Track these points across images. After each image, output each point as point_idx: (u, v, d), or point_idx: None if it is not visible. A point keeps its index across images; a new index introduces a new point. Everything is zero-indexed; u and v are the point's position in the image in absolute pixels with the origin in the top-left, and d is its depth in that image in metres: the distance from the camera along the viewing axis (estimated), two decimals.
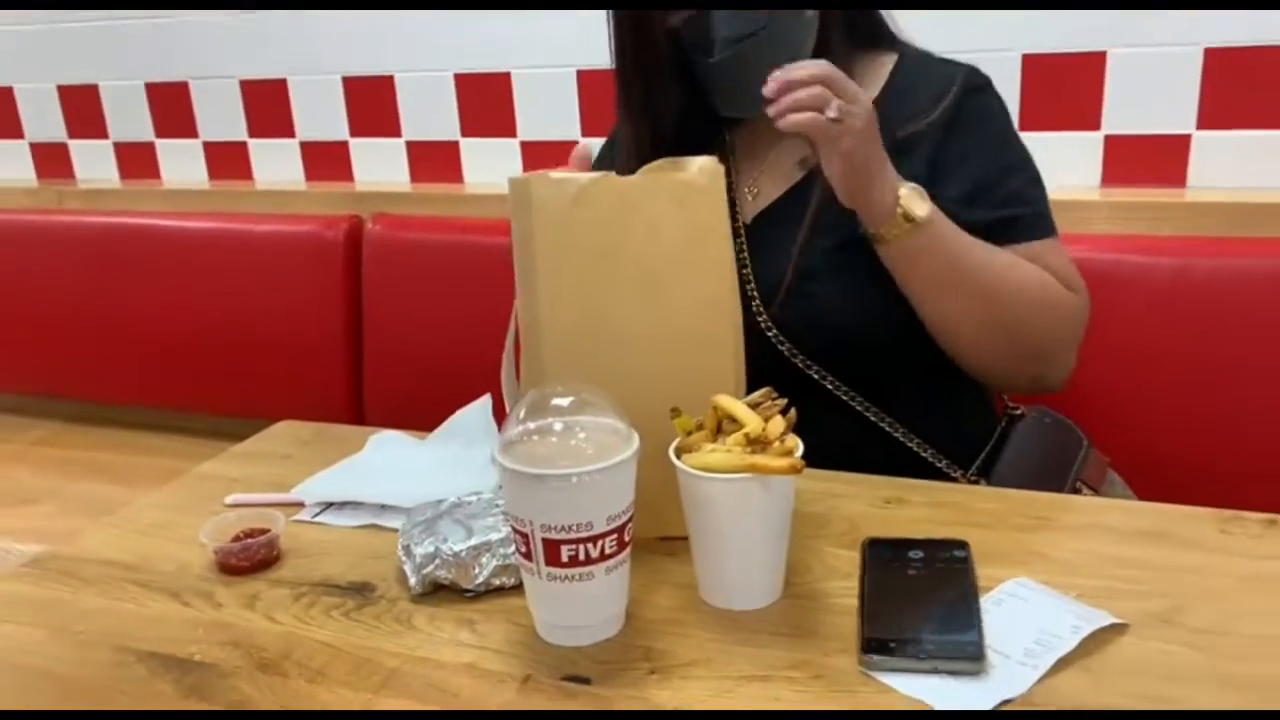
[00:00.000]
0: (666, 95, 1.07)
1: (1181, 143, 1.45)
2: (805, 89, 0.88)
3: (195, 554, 0.90)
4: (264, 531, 0.89)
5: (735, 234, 1.07)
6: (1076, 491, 1.07)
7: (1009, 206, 1.03)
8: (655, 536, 0.84)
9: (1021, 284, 1.00)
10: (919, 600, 0.75)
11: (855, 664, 0.70)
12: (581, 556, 0.71)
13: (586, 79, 1.72)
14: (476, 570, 0.81)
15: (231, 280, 1.85)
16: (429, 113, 1.85)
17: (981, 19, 1.47)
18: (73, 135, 2.13)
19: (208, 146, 2.04)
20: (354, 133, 1.92)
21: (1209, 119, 1.43)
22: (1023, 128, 1.45)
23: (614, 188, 0.83)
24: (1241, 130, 1.42)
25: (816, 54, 1.02)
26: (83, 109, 2.10)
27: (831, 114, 0.88)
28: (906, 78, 1.10)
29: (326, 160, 1.95)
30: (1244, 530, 0.85)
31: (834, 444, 0.97)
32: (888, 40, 1.13)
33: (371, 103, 1.89)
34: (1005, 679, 0.68)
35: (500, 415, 0.96)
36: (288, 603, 0.82)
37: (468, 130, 1.84)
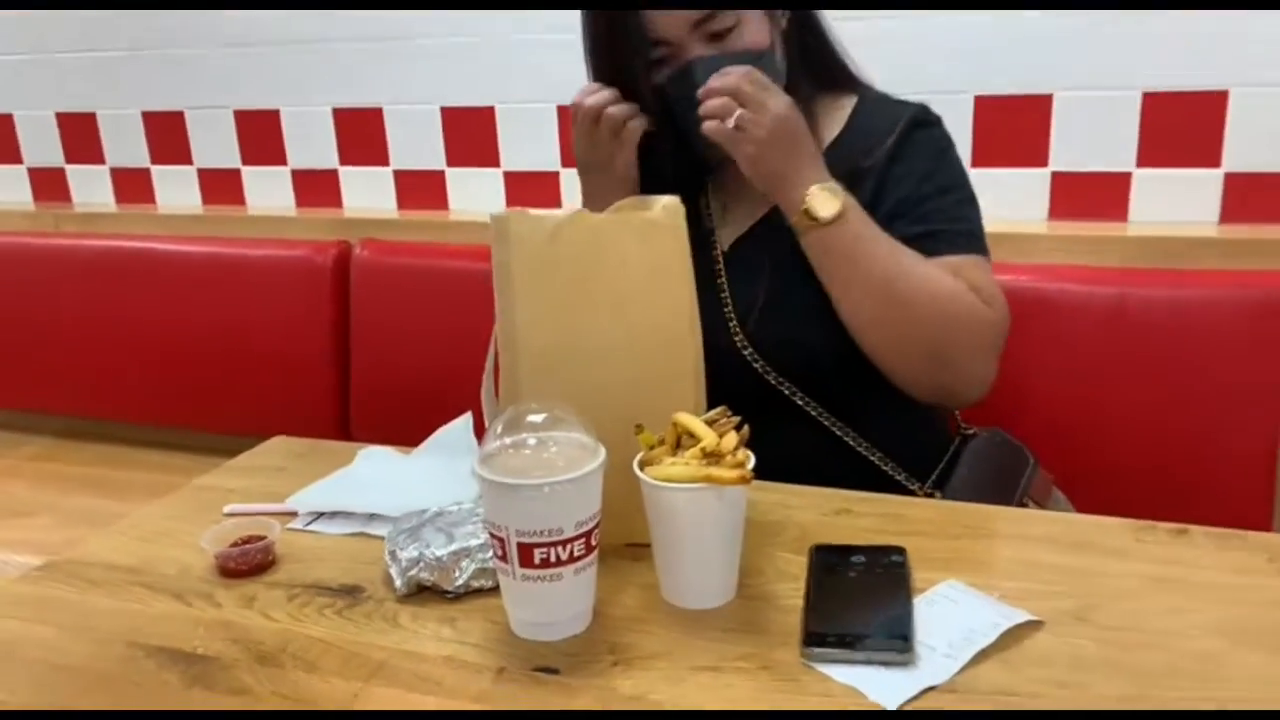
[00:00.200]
0: (657, 144, 1.15)
1: (1123, 180, 1.55)
2: (718, 99, 1.01)
3: (196, 559, 0.97)
4: (260, 538, 0.96)
5: (714, 260, 1.17)
6: (1023, 506, 1.15)
7: (931, 221, 1.11)
8: (622, 543, 0.91)
9: (931, 292, 1.06)
10: (858, 600, 0.83)
11: (798, 656, 0.78)
12: (552, 559, 0.78)
13: (567, 114, 1.80)
14: (457, 573, 0.88)
15: (224, 302, 1.92)
16: (416, 143, 1.94)
17: (938, 63, 1.57)
18: (70, 160, 2.20)
19: (202, 173, 2.11)
20: (343, 161, 2.00)
21: (1147, 158, 1.53)
22: (975, 164, 1.56)
23: (585, 224, 0.91)
24: (1177, 169, 1.52)
25: (794, 100, 1.11)
26: (80, 136, 2.17)
27: (731, 123, 1.00)
28: (865, 117, 1.19)
29: (317, 187, 2.03)
30: (1155, 539, 0.93)
31: (803, 456, 1.07)
32: (849, 83, 1.23)
33: (361, 133, 1.97)
34: (930, 669, 0.75)
35: (480, 431, 1.04)
36: (283, 603, 0.89)
37: (453, 160, 1.93)
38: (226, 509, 1.06)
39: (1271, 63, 1.44)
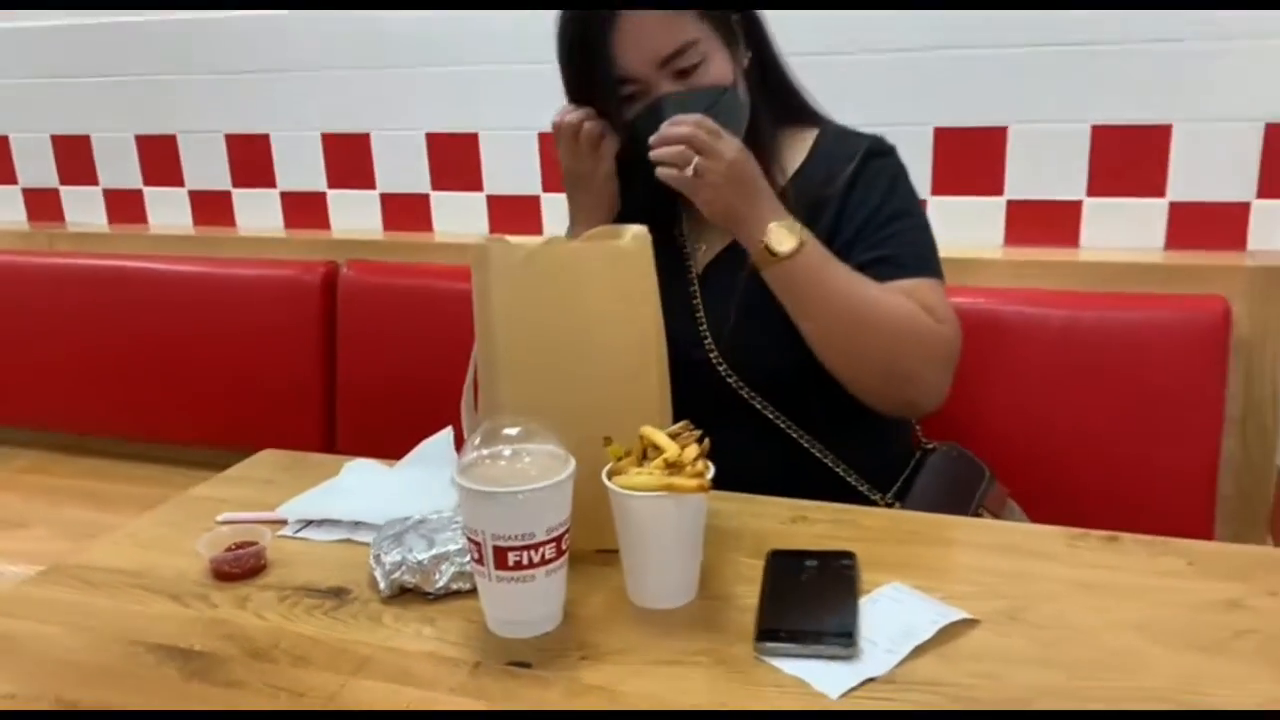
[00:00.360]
0: (632, 176, 1.22)
1: (1074, 208, 1.63)
2: (673, 147, 1.07)
3: (192, 564, 1.02)
4: (253, 544, 1.02)
5: (689, 282, 1.24)
6: (978, 516, 1.22)
7: (886, 247, 1.18)
8: (593, 549, 0.97)
9: (887, 315, 1.13)
10: (808, 599, 0.90)
11: (752, 650, 0.84)
12: (525, 561, 0.85)
13: (547, 140, 1.88)
14: (437, 576, 0.95)
15: (214, 320, 1.97)
16: (402, 167, 2.00)
17: (900, 98, 1.65)
18: (64, 182, 2.26)
19: (193, 195, 2.17)
20: (331, 184, 2.06)
21: (1096, 188, 1.61)
22: (935, 193, 1.64)
23: (559, 252, 0.98)
24: (1124, 198, 1.60)
25: (750, 132, 1.19)
26: (75, 157, 2.23)
27: (689, 172, 1.06)
28: (826, 148, 1.26)
29: (305, 209, 2.09)
30: (1087, 545, 1.00)
31: (772, 467, 1.14)
32: (810, 117, 1.30)
33: (348, 157, 2.03)
34: (872, 662, 0.82)
35: (460, 444, 1.10)
36: (274, 603, 0.95)
37: (437, 184, 1.99)
38: (220, 517, 1.12)
39: (1211, 99, 1.52)
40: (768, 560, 0.96)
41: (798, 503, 1.10)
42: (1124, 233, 1.61)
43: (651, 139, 1.09)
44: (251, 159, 2.10)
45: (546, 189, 1.90)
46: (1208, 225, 1.57)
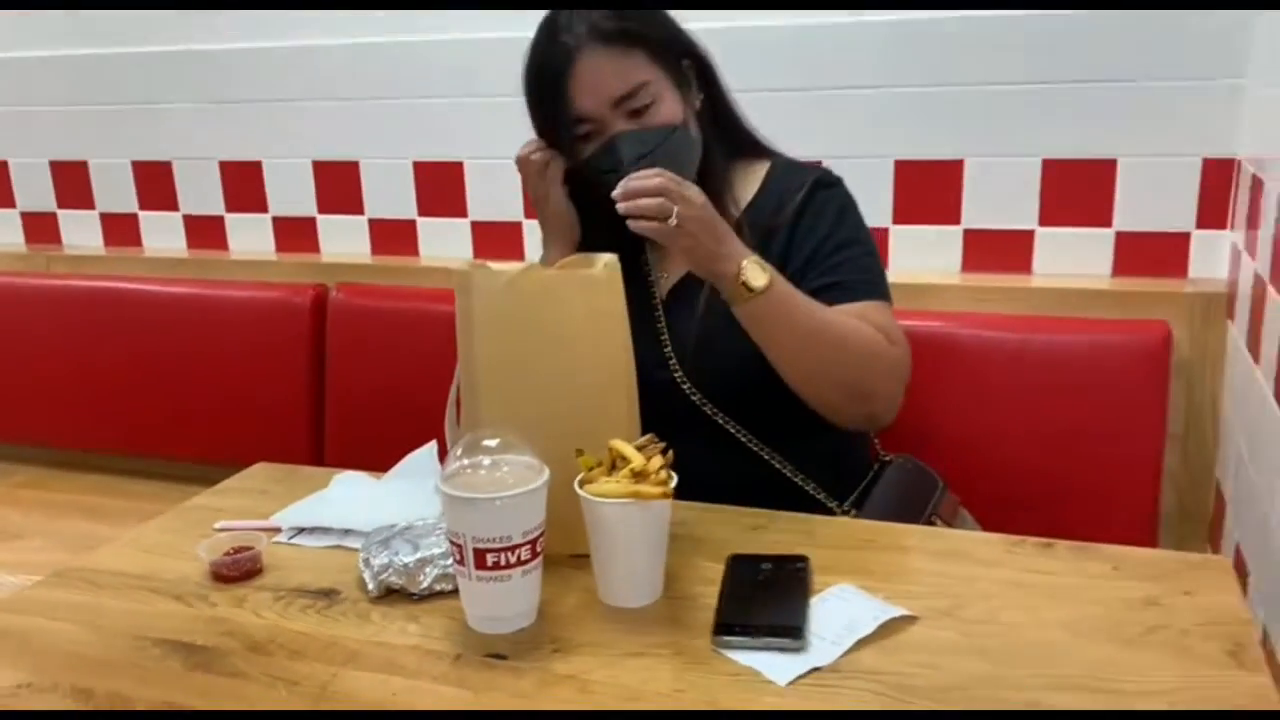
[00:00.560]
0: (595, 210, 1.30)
1: (1027, 237, 1.72)
2: (651, 199, 1.10)
3: (193, 567, 1.10)
4: (249, 549, 1.09)
5: (653, 308, 1.32)
6: (931, 524, 1.30)
7: (837, 273, 1.26)
8: (566, 554, 1.04)
9: (845, 338, 1.20)
10: (763, 598, 0.98)
11: (710, 644, 0.92)
12: (503, 562, 0.92)
13: None
14: (422, 578, 1.02)
15: (206, 340, 2.04)
16: (389, 194, 2.07)
17: (863, 132, 1.74)
18: (61, 205, 2.32)
19: (187, 219, 2.23)
20: (321, 210, 2.13)
21: (1048, 218, 1.70)
22: (896, 222, 1.73)
23: (536, 278, 1.07)
24: (1073, 228, 1.69)
25: (703, 166, 1.27)
26: (72, 182, 2.29)
27: (674, 222, 1.10)
28: (776, 180, 1.35)
29: (296, 234, 2.16)
30: (1024, 551, 1.08)
31: (735, 478, 1.21)
32: (760, 150, 1.39)
33: (338, 184, 2.10)
34: (818, 653, 0.90)
35: (443, 456, 1.18)
36: (270, 603, 1.03)
37: (424, 210, 2.07)
38: (217, 525, 1.19)
39: (1152, 136, 1.61)
40: (727, 563, 1.04)
41: (758, 512, 1.18)
42: (1073, 260, 1.70)
43: (618, 193, 1.12)
44: (244, 185, 2.17)
45: (528, 215, 1.98)
46: (1151, 254, 1.66)
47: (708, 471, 1.06)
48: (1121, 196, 1.66)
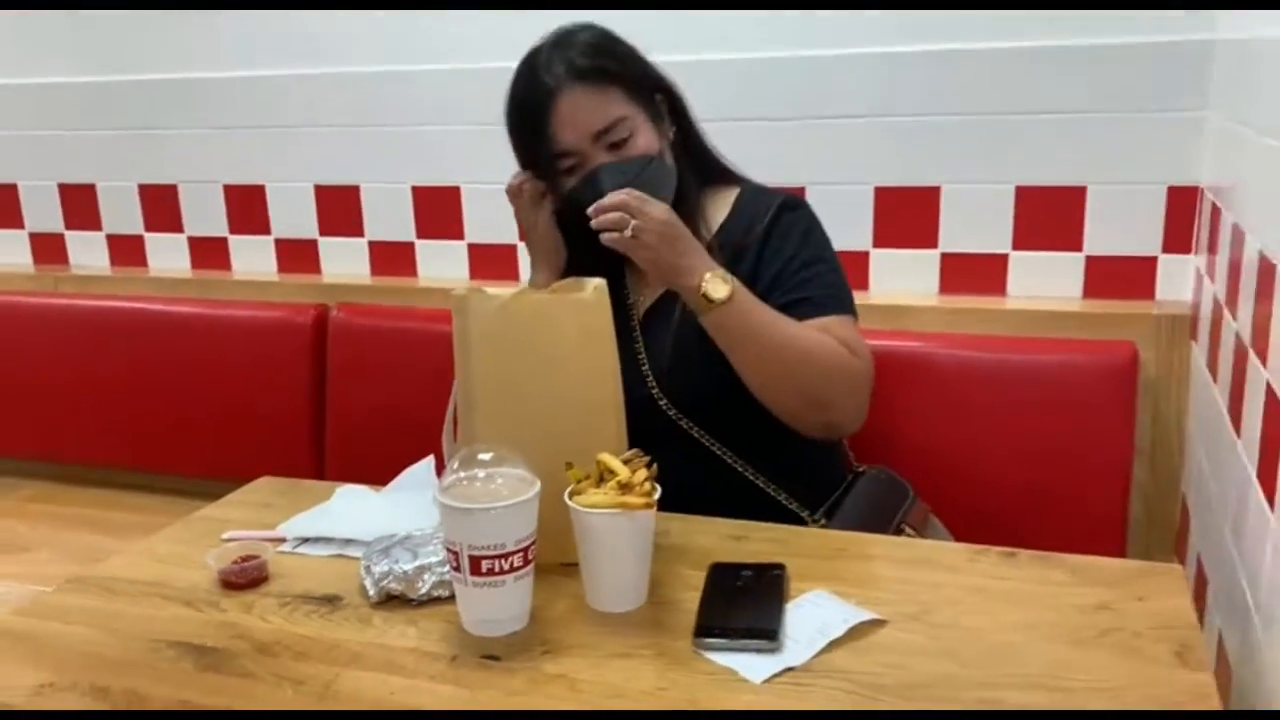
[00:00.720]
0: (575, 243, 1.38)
1: (1001, 260, 1.79)
2: (611, 214, 1.21)
3: (202, 575, 1.16)
4: (256, 558, 1.15)
5: (631, 329, 1.39)
6: (900, 532, 1.36)
7: (802, 290, 1.33)
8: (557, 563, 1.10)
9: (807, 350, 1.27)
10: (741, 603, 1.04)
11: (691, 645, 0.98)
12: (497, 569, 0.98)
13: None
14: (420, 584, 1.08)
15: (210, 358, 2.10)
16: (389, 218, 2.13)
17: (844, 160, 1.80)
18: (69, 227, 2.38)
19: (192, 240, 2.30)
20: (323, 232, 2.19)
21: (1021, 242, 1.77)
22: (875, 246, 1.80)
23: (529, 302, 1.13)
24: (1046, 251, 1.76)
25: (677, 192, 1.35)
26: (80, 205, 2.35)
27: (628, 233, 1.20)
28: (746, 204, 1.42)
29: (298, 255, 2.22)
30: (987, 559, 1.15)
31: (711, 489, 1.28)
32: (730, 177, 1.47)
33: (339, 207, 2.16)
34: (792, 654, 0.96)
35: (440, 470, 1.24)
36: (276, 608, 1.09)
37: (422, 233, 2.13)
38: (226, 535, 1.25)
39: (1120, 164, 1.68)
40: (709, 570, 1.10)
41: (739, 523, 1.24)
42: (1045, 283, 1.77)
43: (590, 209, 1.23)
44: (248, 207, 2.23)
45: (522, 239, 2.03)
46: (1119, 277, 1.73)
47: (685, 483, 1.12)
48: (1091, 222, 1.73)
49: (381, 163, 2.11)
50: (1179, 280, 1.70)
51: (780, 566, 1.10)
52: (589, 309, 1.13)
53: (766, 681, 0.93)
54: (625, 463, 1.06)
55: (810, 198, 1.78)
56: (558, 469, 1.05)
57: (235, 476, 1.50)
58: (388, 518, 1.24)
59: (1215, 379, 1.40)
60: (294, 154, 2.16)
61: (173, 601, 1.11)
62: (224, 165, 2.22)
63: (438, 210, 2.10)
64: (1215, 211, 1.49)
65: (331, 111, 2.11)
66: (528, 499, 0.99)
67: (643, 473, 1.05)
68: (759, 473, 1.35)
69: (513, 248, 2.06)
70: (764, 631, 0.98)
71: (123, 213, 2.33)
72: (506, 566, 0.99)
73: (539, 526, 1.01)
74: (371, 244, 2.18)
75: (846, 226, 1.81)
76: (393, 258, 2.16)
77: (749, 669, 0.94)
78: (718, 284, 1.23)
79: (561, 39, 1.36)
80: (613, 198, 1.22)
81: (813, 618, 1.02)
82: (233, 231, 2.27)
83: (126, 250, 2.36)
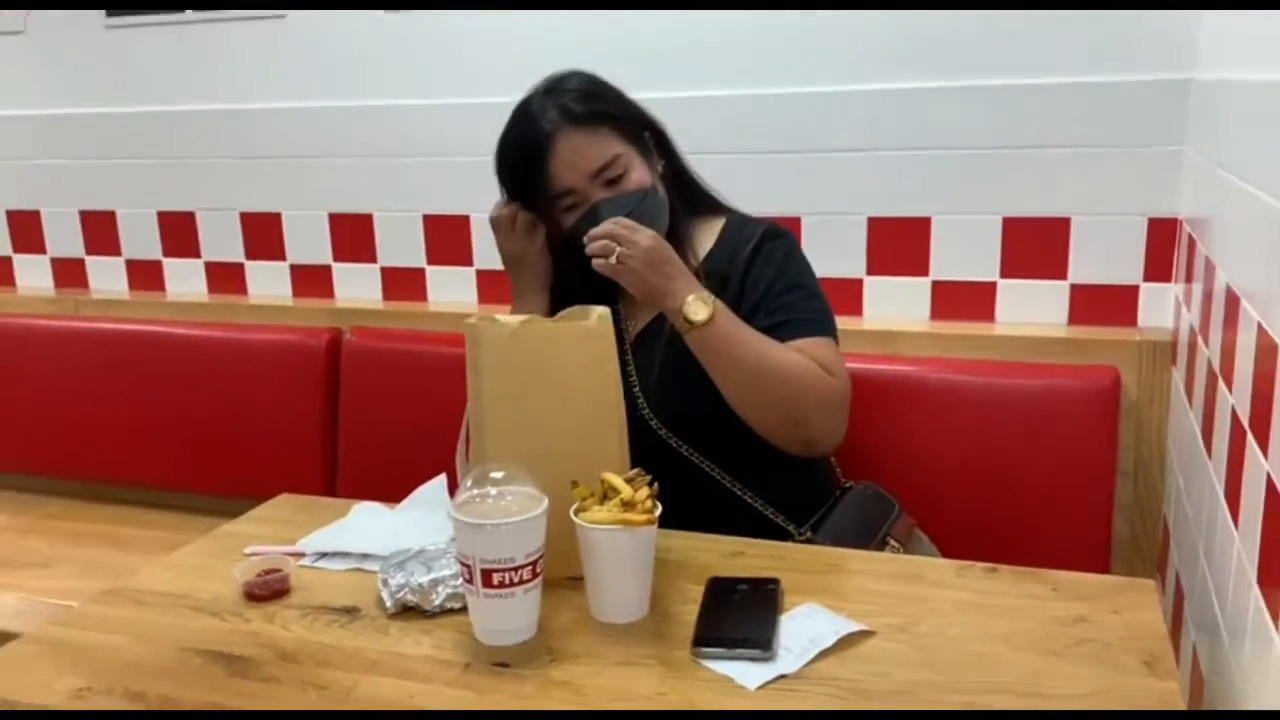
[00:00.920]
0: (572, 276, 1.45)
1: (989, 288, 1.85)
2: (599, 242, 1.30)
3: (227, 587, 1.22)
4: (278, 571, 1.21)
5: (623, 353, 1.45)
6: (885, 544, 1.42)
7: (783, 313, 1.40)
8: (563, 576, 1.16)
9: (785, 369, 1.34)
10: (737, 615, 1.10)
11: (690, 655, 1.04)
12: (507, 581, 1.04)
13: None
14: (434, 596, 1.14)
15: (226, 380, 2.16)
16: (400, 244, 2.21)
17: (837, 190, 1.88)
18: (89, 252, 2.46)
19: (209, 265, 2.37)
20: (336, 258, 2.27)
21: (1008, 270, 1.83)
22: (869, 273, 1.87)
23: (538, 329, 1.20)
24: (1032, 280, 1.83)
25: (671, 223, 1.43)
26: (100, 231, 2.43)
27: (612, 260, 1.30)
28: (731, 233, 1.50)
29: (312, 281, 2.29)
30: (972, 575, 1.21)
31: (701, 504, 1.34)
32: (716, 208, 1.55)
33: (352, 234, 2.24)
34: (784, 663, 1.02)
35: (453, 489, 1.30)
36: (298, 619, 1.15)
37: (432, 260, 2.20)
38: (248, 549, 1.32)
39: (1104, 196, 1.75)
40: (707, 584, 1.16)
41: (736, 540, 1.30)
42: (1032, 310, 1.83)
43: (585, 238, 1.32)
44: (264, 234, 2.30)
45: (505, 265, 2.11)
46: (1103, 304, 1.79)
47: (675, 498, 1.17)
48: (1075, 251, 1.79)
49: (393, 192, 2.19)
50: (1160, 308, 1.77)
51: (775, 581, 1.16)
52: (593, 336, 1.20)
53: (761, 688, 0.99)
54: (628, 481, 1.12)
55: (806, 227, 1.89)
56: (564, 487, 1.11)
57: (250, 495, 1.57)
58: (402, 533, 1.30)
59: (1191, 403, 1.47)
60: (309, 183, 2.24)
61: (200, 612, 1.17)
62: (242, 193, 2.30)
63: (447, 237, 2.17)
64: (1191, 243, 1.56)
65: (346, 143, 2.19)
66: (536, 515, 1.05)
67: (644, 491, 1.11)
68: (746, 488, 1.42)
69: None
70: (759, 641, 1.04)
71: (142, 239, 2.41)
72: (516, 579, 1.05)
73: (547, 542, 1.07)
74: (384, 270, 2.25)
75: (841, 255, 1.89)
76: (404, 283, 2.24)
77: (744, 676, 1.01)
78: (698, 306, 1.31)
79: (553, 86, 1.45)
80: (601, 227, 1.32)
81: (805, 629, 1.08)
82: (249, 257, 2.34)
83: (145, 275, 2.43)
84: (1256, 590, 0.95)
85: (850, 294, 1.90)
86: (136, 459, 2.24)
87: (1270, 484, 0.91)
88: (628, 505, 1.09)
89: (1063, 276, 1.81)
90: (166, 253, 2.40)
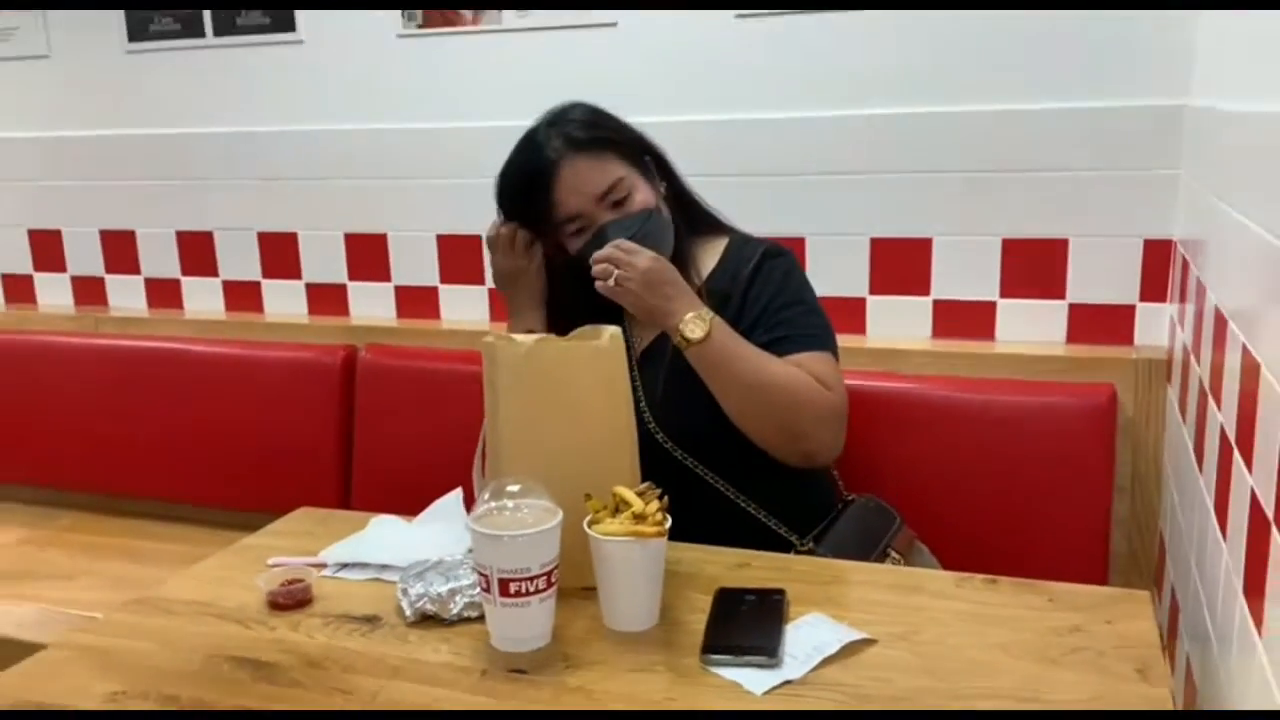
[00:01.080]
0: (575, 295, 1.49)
1: (989, 307, 1.90)
2: (601, 265, 1.36)
3: (251, 597, 1.26)
4: (300, 581, 1.26)
5: (630, 369, 1.49)
6: (885, 555, 1.46)
7: (782, 329, 1.45)
8: (577, 586, 1.20)
9: (782, 384, 1.38)
10: (745, 624, 1.14)
11: (699, 661, 1.08)
12: (523, 590, 1.09)
13: None
14: (453, 605, 1.19)
15: (243, 396, 2.21)
16: (414, 264, 2.26)
17: (841, 212, 1.93)
18: (109, 271, 2.51)
19: (226, 284, 2.42)
20: (351, 277, 2.32)
21: (1008, 290, 1.88)
22: (871, 293, 1.91)
23: (552, 348, 1.25)
24: (1031, 299, 1.87)
25: (675, 243, 1.47)
26: (120, 250, 2.49)
27: (610, 282, 1.35)
28: (734, 252, 1.55)
29: (328, 299, 2.34)
30: (971, 586, 1.25)
31: (706, 517, 1.37)
32: (719, 228, 1.60)
33: (367, 254, 2.29)
34: (789, 669, 1.06)
35: (469, 502, 1.35)
36: (321, 627, 1.19)
37: (445, 278, 2.25)
38: (271, 560, 1.36)
39: (1101, 218, 1.80)
40: (716, 594, 1.21)
41: (744, 552, 1.35)
42: (1031, 329, 1.88)
43: (589, 260, 1.38)
44: (280, 254, 2.36)
45: (498, 283, 2.15)
46: (1100, 323, 1.84)
47: (681, 510, 1.21)
48: (1073, 272, 1.84)
49: (408, 212, 2.24)
50: (1156, 327, 1.81)
51: (781, 591, 1.20)
52: (606, 355, 1.25)
53: (767, 693, 1.03)
54: (639, 495, 1.17)
55: (811, 248, 1.94)
56: (578, 500, 1.15)
57: (266, 509, 1.61)
58: (419, 545, 1.34)
59: (1184, 420, 1.51)
60: (325, 204, 2.29)
61: (226, 620, 1.22)
62: (259, 214, 2.35)
63: (460, 257, 2.22)
64: (1185, 265, 1.61)
65: (361, 165, 2.24)
66: (551, 527, 1.10)
67: (655, 504, 1.16)
68: (750, 500, 1.46)
69: None
70: (765, 649, 1.08)
71: (160, 257, 2.46)
72: (532, 588, 1.09)
73: (561, 553, 1.11)
74: (398, 288, 2.30)
75: (844, 275, 1.94)
76: (418, 301, 2.28)
77: (751, 682, 1.05)
78: (695, 324, 1.36)
79: (556, 118, 1.50)
80: (602, 251, 1.37)
81: (809, 637, 1.12)
82: (266, 276, 2.39)
83: (164, 293, 2.48)
84: (1243, 600, 0.99)
85: (853, 313, 1.95)
86: (155, 473, 2.28)
87: (1254, 498, 0.95)
88: (639, 518, 1.14)
89: (1061, 296, 1.86)
90: (185, 271, 2.45)
